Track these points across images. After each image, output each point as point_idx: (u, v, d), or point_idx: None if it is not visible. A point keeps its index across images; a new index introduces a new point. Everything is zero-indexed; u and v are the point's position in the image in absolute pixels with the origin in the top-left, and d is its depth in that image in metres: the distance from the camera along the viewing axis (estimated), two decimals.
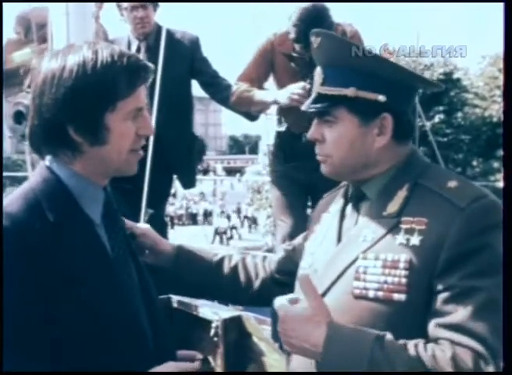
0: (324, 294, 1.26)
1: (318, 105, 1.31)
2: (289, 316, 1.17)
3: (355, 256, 1.24)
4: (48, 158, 1.23)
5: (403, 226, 1.21)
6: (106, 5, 3.05)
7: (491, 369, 1.07)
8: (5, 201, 1.16)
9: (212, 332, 1.97)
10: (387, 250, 1.20)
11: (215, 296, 1.79)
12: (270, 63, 3.09)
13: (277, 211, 3.21)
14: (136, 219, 2.87)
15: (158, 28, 3.33)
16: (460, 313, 1.11)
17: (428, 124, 10.01)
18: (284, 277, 1.57)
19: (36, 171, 1.25)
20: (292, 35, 2.87)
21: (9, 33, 3.13)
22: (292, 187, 3.12)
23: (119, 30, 3.52)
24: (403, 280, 1.16)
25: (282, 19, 2.97)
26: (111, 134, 1.18)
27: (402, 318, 1.15)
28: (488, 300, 1.11)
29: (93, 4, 2.58)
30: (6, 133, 3.20)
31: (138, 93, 1.21)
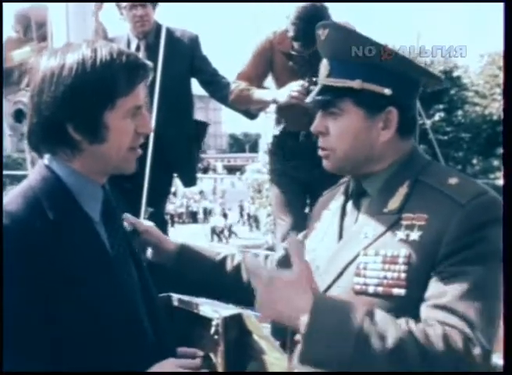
0: (326, 291, 1.26)
1: (323, 97, 1.31)
2: (275, 278, 1.09)
3: (356, 253, 1.24)
4: (47, 156, 1.23)
5: (404, 223, 1.21)
6: (106, 4, 3.04)
7: (478, 351, 1.06)
8: (5, 199, 1.16)
9: (213, 330, 1.96)
10: (387, 246, 1.21)
11: (217, 295, 1.77)
12: (269, 62, 3.09)
13: (276, 209, 3.21)
14: (136, 218, 2.87)
15: (158, 26, 3.32)
16: (448, 294, 1.11)
17: (428, 122, 10.00)
18: None
19: (35, 169, 1.25)
20: (290, 33, 2.87)
21: (8, 32, 3.13)
22: (291, 186, 3.12)
23: (119, 28, 3.52)
24: (403, 275, 1.17)
25: (283, 19, 2.97)
26: (110, 132, 1.18)
27: (402, 312, 1.15)
28: (476, 284, 1.11)
29: (92, 3, 2.58)
30: (6, 131, 3.20)
31: (137, 91, 1.21)
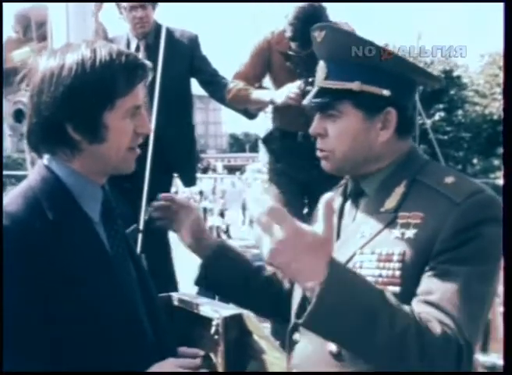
0: None
1: (321, 100, 1.31)
2: (305, 232, 1.00)
3: (353, 252, 1.25)
4: (47, 157, 1.23)
5: (400, 221, 1.21)
6: (105, 4, 3.04)
7: (463, 347, 1.07)
8: (4, 200, 1.16)
9: (213, 330, 1.96)
10: (383, 244, 1.21)
11: (248, 302, 1.66)
12: (267, 62, 3.09)
13: None
14: (136, 218, 2.87)
15: (157, 26, 3.32)
16: (437, 293, 1.12)
17: (428, 122, 10.00)
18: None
19: (34, 170, 1.25)
20: (288, 34, 2.87)
21: (8, 32, 3.12)
22: (290, 186, 3.13)
23: (119, 28, 3.52)
24: (397, 273, 1.17)
25: (282, 19, 2.98)
26: (109, 132, 1.19)
27: None
28: (463, 286, 1.11)
29: (92, 3, 2.58)
30: (6, 131, 3.20)
31: (136, 91, 1.21)
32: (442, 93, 21.32)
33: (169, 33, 3.31)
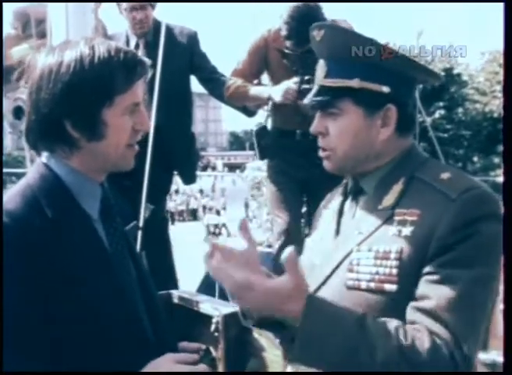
0: (320, 287, 1.26)
1: (322, 98, 1.30)
2: (268, 290, 1.07)
3: (350, 249, 1.25)
4: (45, 154, 1.23)
5: (397, 218, 1.21)
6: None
7: (459, 359, 1.07)
8: (3, 198, 1.16)
9: (213, 327, 1.97)
10: (380, 242, 1.21)
11: None
12: (264, 59, 3.10)
13: (273, 206, 3.22)
14: (136, 215, 2.87)
15: (157, 23, 3.32)
16: (434, 299, 1.11)
17: (428, 120, 9.99)
18: None
19: (33, 168, 1.25)
20: (283, 32, 2.88)
21: (6, 29, 3.12)
22: (288, 183, 3.13)
23: (118, 25, 3.52)
24: (394, 271, 1.16)
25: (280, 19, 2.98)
26: (108, 129, 1.18)
27: (394, 308, 1.16)
28: (462, 292, 1.11)
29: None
30: (6, 129, 3.20)
31: (135, 88, 1.20)
32: (442, 91, 21.31)
33: (169, 30, 3.31)
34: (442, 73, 21.12)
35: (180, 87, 3.40)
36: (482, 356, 2.10)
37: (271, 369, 1.90)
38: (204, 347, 1.34)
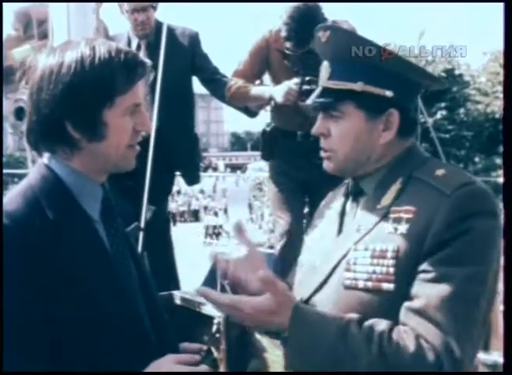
0: (320, 288, 1.27)
1: (325, 100, 1.30)
2: (255, 309, 1.16)
3: (348, 248, 1.25)
4: (46, 155, 1.23)
5: (392, 216, 1.21)
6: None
7: (447, 365, 1.07)
8: (4, 199, 1.16)
9: (214, 328, 1.97)
10: (376, 240, 1.21)
11: None
12: (265, 60, 3.10)
13: (275, 207, 3.22)
14: (137, 216, 2.87)
15: (158, 24, 3.32)
16: (426, 298, 1.12)
17: (430, 120, 9.99)
18: None
19: (34, 168, 1.25)
20: (283, 33, 2.88)
21: (7, 30, 3.12)
22: (290, 184, 3.13)
23: (120, 26, 3.52)
24: (391, 270, 1.16)
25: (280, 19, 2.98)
26: (109, 130, 1.18)
27: (392, 307, 1.16)
28: (457, 290, 1.10)
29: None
30: (8, 129, 3.20)
31: (136, 89, 1.21)
32: (443, 91, 21.27)
33: (170, 30, 3.31)
34: (444, 74, 21.11)
35: (182, 87, 3.40)
36: (483, 357, 2.10)
37: (272, 370, 1.90)
38: (205, 347, 1.34)
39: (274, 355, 1.81)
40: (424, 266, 1.14)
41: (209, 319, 2.02)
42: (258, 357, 1.95)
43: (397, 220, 1.20)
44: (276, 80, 3.06)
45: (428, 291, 1.12)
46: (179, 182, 3.98)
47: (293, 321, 1.15)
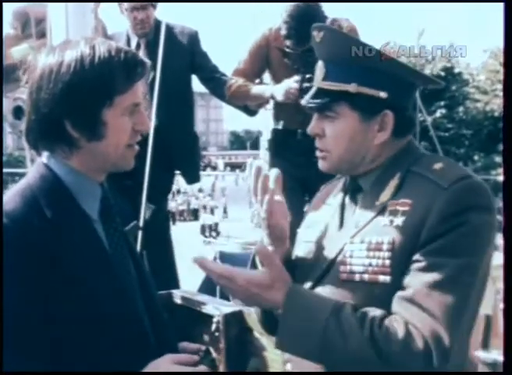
0: (318, 281, 1.27)
1: (319, 101, 1.30)
2: (249, 281, 1.18)
3: (345, 242, 1.26)
4: (45, 154, 1.23)
5: (388, 209, 1.22)
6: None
7: (437, 353, 1.08)
8: (3, 198, 1.16)
9: (213, 327, 1.97)
10: (372, 233, 1.21)
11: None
12: (265, 58, 3.10)
13: None
14: (137, 215, 2.87)
15: (157, 23, 3.32)
16: (418, 287, 1.13)
17: (429, 119, 9.99)
18: None
19: (33, 168, 1.25)
20: (283, 31, 2.88)
21: (6, 29, 3.12)
22: (289, 183, 3.12)
23: (119, 25, 3.51)
24: (387, 262, 1.17)
25: (280, 18, 2.98)
26: (108, 129, 1.18)
27: (388, 299, 1.16)
28: (448, 279, 1.11)
29: None
30: (7, 129, 3.20)
31: (135, 88, 1.20)
32: (443, 90, 21.24)
33: (169, 29, 3.30)
34: (443, 73, 21.10)
35: (181, 86, 3.40)
36: (483, 355, 2.10)
37: (271, 369, 1.90)
38: (203, 348, 1.34)
39: (273, 353, 1.81)
40: (417, 256, 1.15)
41: (208, 317, 2.02)
42: (258, 356, 1.95)
43: (393, 213, 1.20)
44: (276, 79, 3.06)
45: (419, 279, 1.13)
46: (179, 181, 3.97)
47: (288, 297, 1.17)
